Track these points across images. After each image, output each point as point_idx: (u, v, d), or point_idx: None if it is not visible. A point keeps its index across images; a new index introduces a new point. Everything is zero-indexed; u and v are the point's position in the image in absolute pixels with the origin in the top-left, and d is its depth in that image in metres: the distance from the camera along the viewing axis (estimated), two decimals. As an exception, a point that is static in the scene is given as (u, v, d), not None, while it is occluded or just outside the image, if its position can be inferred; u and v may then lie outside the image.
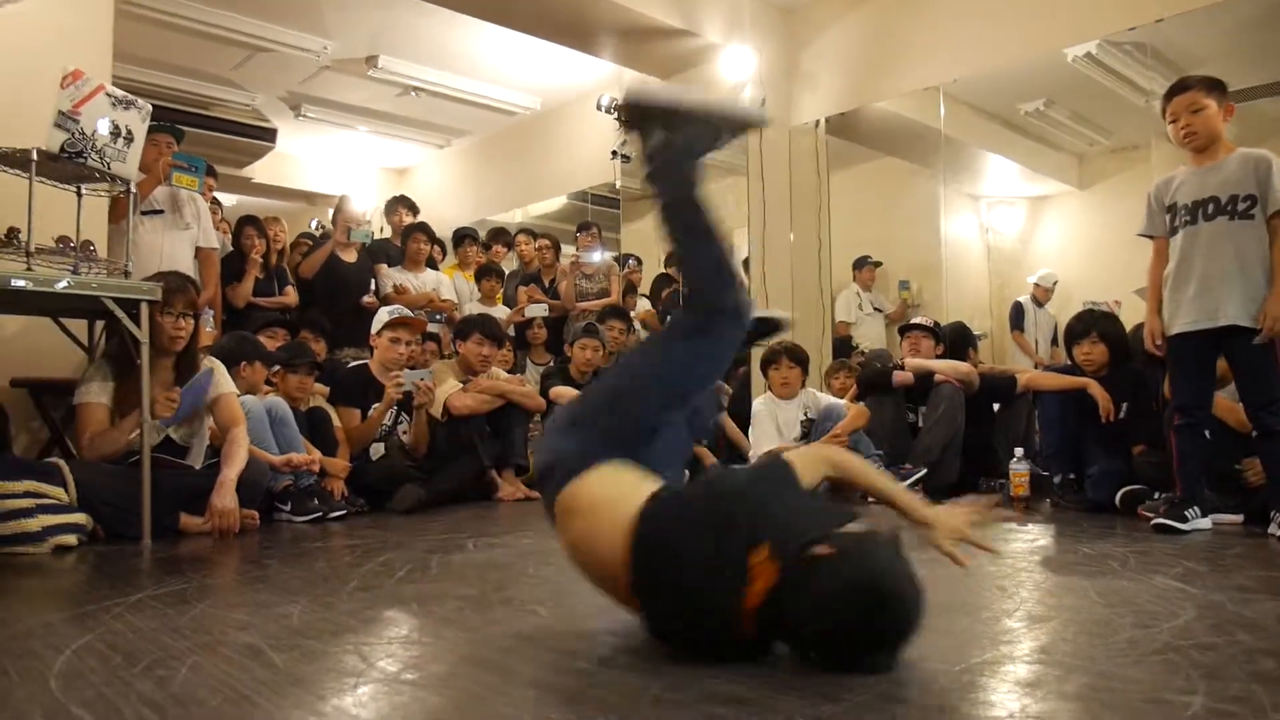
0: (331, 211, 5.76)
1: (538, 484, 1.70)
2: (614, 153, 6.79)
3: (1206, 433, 2.98)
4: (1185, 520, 2.87)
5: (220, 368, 3.30)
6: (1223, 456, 3.12)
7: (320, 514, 3.45)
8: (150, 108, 3.10)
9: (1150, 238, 3.10)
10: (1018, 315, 6.00)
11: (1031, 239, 6.52)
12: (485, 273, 6.04)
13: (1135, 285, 4.56)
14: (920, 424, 4.27)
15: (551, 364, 5.55)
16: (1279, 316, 2.78)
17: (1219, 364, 2.99)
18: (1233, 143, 2.94)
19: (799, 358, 4.37)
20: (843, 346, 6.13)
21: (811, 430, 4.18)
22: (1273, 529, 2.76)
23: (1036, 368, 5.29)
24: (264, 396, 3.65)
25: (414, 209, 6.35)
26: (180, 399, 3.05)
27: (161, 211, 4.10)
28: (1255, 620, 1.67)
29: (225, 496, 3.01)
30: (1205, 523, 2.92)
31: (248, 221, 5.02)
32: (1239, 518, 3.06)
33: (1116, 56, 4.90)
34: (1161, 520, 2.90)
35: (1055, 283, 6.00)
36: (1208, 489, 3.02)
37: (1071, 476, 3.70)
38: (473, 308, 5.72)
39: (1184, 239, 2.95)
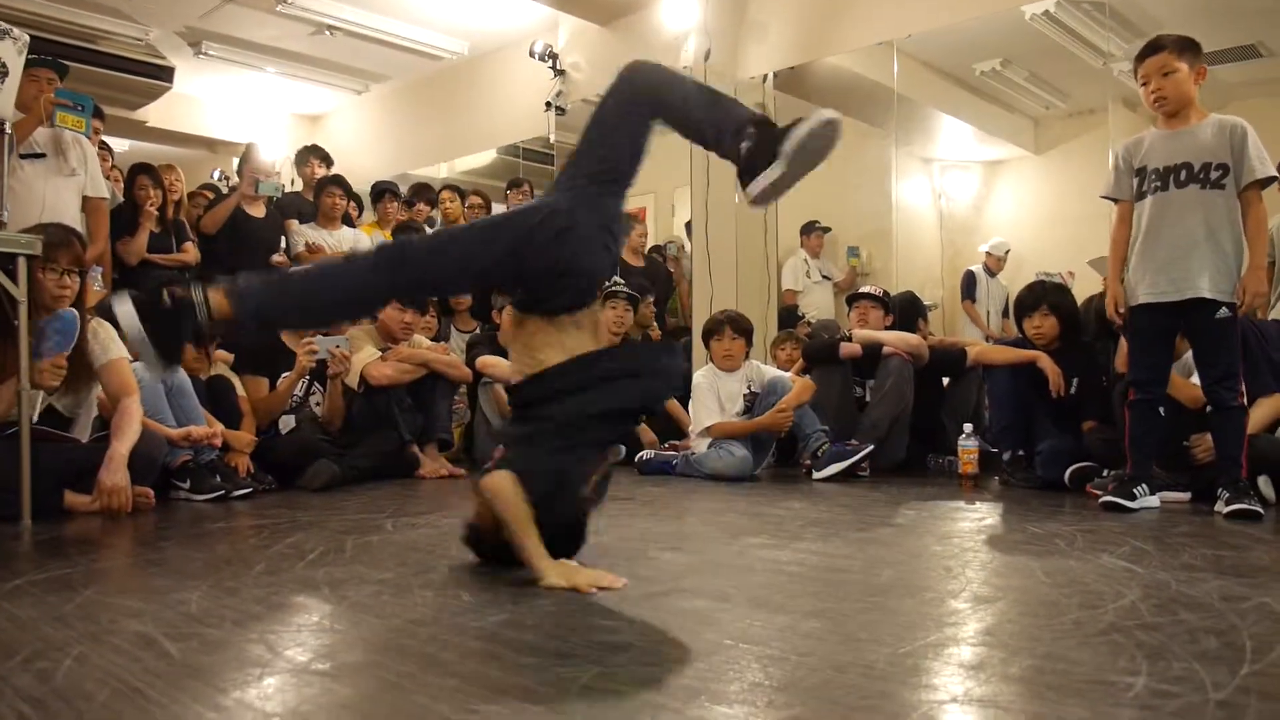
0: (236, 161, 5.59)
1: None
2: (548, 104, 6.71)
3: (1161, 410, 3.08)
4: (1134, 498, 2.97)
5: (110, 330, 3.19)
6: (1173, 434, 3.23)
7: (223, 492, 3.38)
8: (28, 38, 2.97)
9: (1114, 200, 3.14)
10: (969, 285, 6.12)
11: (985, 205, 6.64)
12: (403, 231, 5.91)
13: (1089, 255, 4.69)
14: (868, 398, 4.35)
15: (478, 331, 5.50)
16: (1258, 291, 2.86)
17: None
18: (1204, 108, 3.01)
19: (743, 328, 4.40)
20: (789, 316, 6.19)
21: (755, 404, 4.23)
22: (1219, 506, 2.88)
23: (988, 340, 5.42)
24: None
25: (328, 160, 6.19)
26: (46, 333, 2.93)
27: (43, 155, 3.93)
28: (1199, 599, 1.75)
29: (115, 472, 2.92)
30: (1154, 501, 3.03)
31: (141, 169, 4.84)
32: (1186, 495, 3.20)
33: (1075, 15, 5.00)
34: (1109, 498, 3.00)
35: (1008, 251, 6.13)
36: (1157, 466, 3.14)
37: (1021, 453, 3.81)
38: (392, 269, 5.61)
39: (1153, 205, 2.99)
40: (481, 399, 4.74)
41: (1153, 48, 2.99)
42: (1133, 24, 4.81)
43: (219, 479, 3.42)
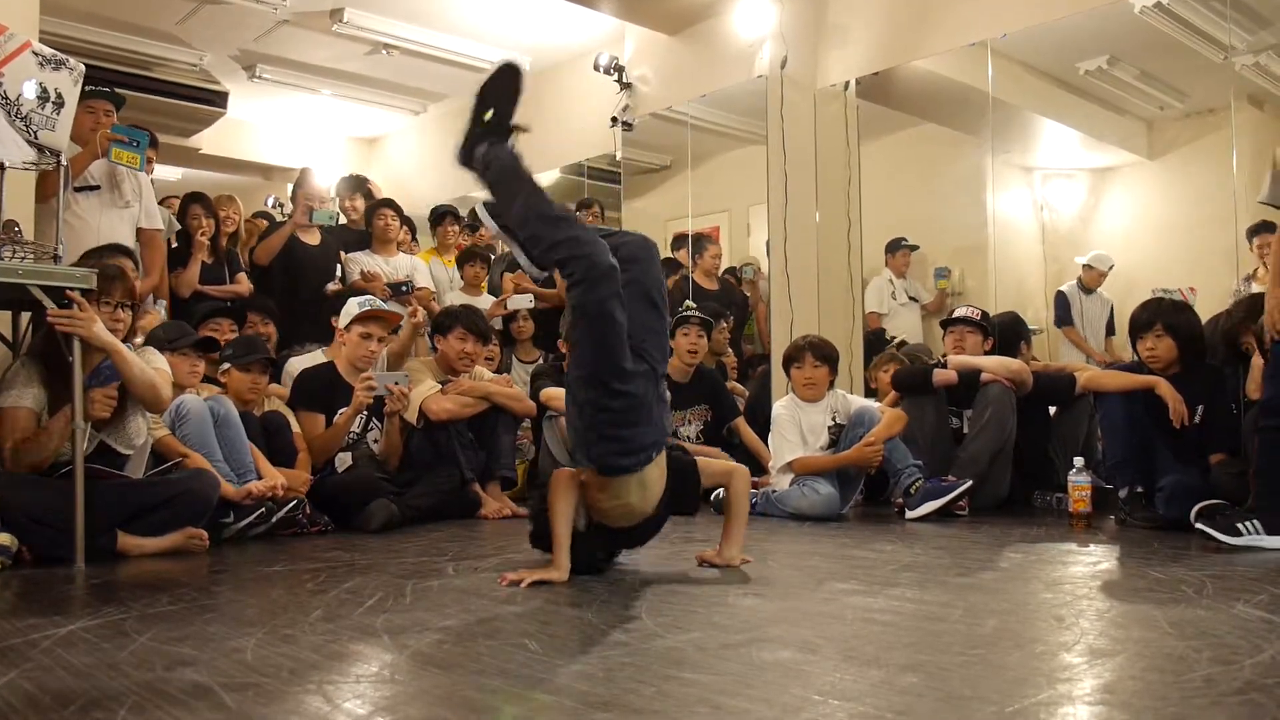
0: (291, 187, 5.75)
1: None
2: (614, 119, 6.78)
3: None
4: (1238, 534, 2.86)
5: (156, 354, 3.33)
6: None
7: (263, 510, 3.47)
8: (83, 68, 3.10)
9: (1276, 207, 3.08)
10: (1063, 308, 5.94)
11: (1093, 217, 6.49)
12: (469, 257, 5.99)
13: (1210, 269, 4.54)
14: (965, 429, 4.27)
15: (542, 362, 5.54)
16: None
17: None
18: None
19: (826, 355, 4.34)
20: (875, 341, 6.11)
21: (840, 437, 4.18)
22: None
23: (1096, 364, 5.28)
24: (203, 395, 3.64)
25: (366, 194, 6.34)
26: (99, 367, 3.04)
27: (98, 188, 4.10)
28: (1351, 655, 1.67)
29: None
30: (1267, 540, 2.89)
31: (194, 199, 5.02)
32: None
33: (1191, 6, 4.89)
34: (1202, 526, 2.91)
35: (1111, 267, 5.95)
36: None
37: (1139, 490, 3.69)
38: (454, 297, 5.72)
39: None
40: (546, 433, 4.77)
41: None
42: (1257, 13, 4.69)
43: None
